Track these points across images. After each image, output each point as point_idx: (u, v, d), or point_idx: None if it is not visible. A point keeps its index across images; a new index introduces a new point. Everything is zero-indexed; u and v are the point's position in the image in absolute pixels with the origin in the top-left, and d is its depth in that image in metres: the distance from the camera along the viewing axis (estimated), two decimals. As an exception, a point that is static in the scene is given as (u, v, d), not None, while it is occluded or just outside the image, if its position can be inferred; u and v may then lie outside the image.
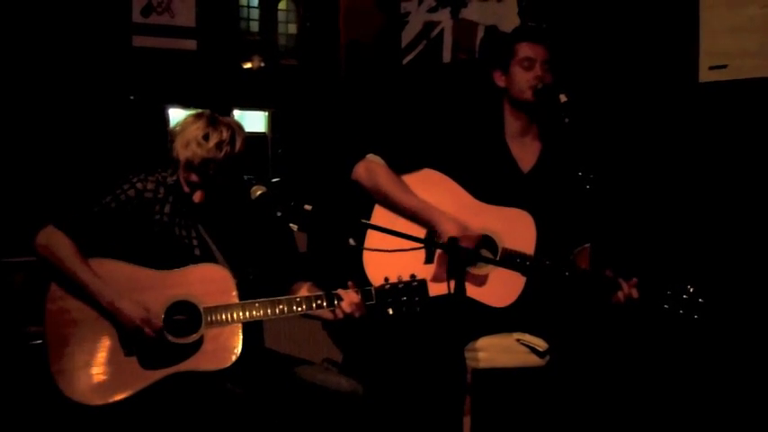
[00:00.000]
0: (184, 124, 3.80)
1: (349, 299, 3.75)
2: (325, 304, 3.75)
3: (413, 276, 3.79)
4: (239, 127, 3.84)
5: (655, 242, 5.14)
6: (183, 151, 3.75)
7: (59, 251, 3.73)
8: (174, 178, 3.88)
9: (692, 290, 3.90)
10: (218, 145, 3.72)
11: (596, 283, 4.01)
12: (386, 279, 3.79)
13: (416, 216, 4.18)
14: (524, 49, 4.30)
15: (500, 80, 4.37)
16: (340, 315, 3.75)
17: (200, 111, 3.87)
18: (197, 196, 3.82)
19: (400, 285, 3.78)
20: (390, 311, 3.77)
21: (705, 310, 3.89)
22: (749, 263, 4.87)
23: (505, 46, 4.39)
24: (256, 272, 3.91)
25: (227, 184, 3.81)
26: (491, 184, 4.25)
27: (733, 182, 4.97)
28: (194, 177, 3.77)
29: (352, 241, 4.07)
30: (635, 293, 3.95)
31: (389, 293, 3.77)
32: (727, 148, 5.01)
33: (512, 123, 4.38)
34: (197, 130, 3.74)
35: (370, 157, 4.34)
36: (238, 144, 3.78)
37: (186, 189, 3.83)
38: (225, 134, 3.74)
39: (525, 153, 4.38)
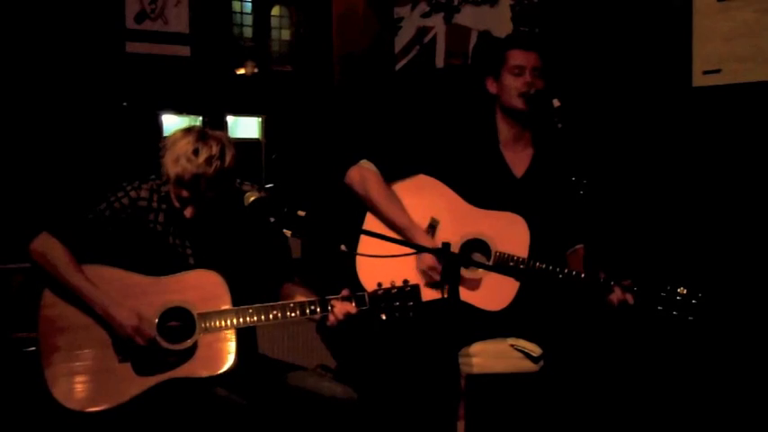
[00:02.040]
0: (173, 140, 3.76)
1: (342, 305, 3.74)
2: (318, 310, 3.75)
3: (405, 281, 3.78)
4: (229, 141, 3.81)
5: (649, 247, 5.14)
6: (172, 167, 3.71)
7: (54, 258, 3.72)
8: (167, 189, 3.86)
9: (685, 291, 3.90)
10: (208, 160, 3.69)
11: (590, 286, 4.01)
12: (379, 284, 3.78)
13: (401, 233, 4.19)
14: (515, 57, 4.31)
15: (492, 87, 4.38)
16: (333, 321, 3.75)
17: (189, 126, 3.85)
18: (188, 211, 3.81)
19: (393, 290, 3.77)
20: (383, 317, 3.77)
21: (699, 312, 3.89)
22: (743, 265, 4.87)
23: (497, 53, 4.40)
24: (248, 278, 3.90)
25: (218, 198, 3.80)
26: (484, 189, 4.26)
27: (727, 186, 4.97)
28: (185, 193, 3.75)
29: (343, 247, 4.06)
30: (629, 298, 3.95)
31: (382, 299, 3.77)
32: (720, 152, 5.01)
33: (504, 129, 4.39)
34: (186, 145, 3.71)
35: (364, 163, 4.35)
36: (228, 158, 3.75)
37: (177, 204, 3.82)
38: (215, 149, 3.71)
39: (518, 158, 4.38)
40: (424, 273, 4.15)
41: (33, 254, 3.77)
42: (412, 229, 4.20)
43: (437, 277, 4.07)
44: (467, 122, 4.46)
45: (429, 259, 4.12)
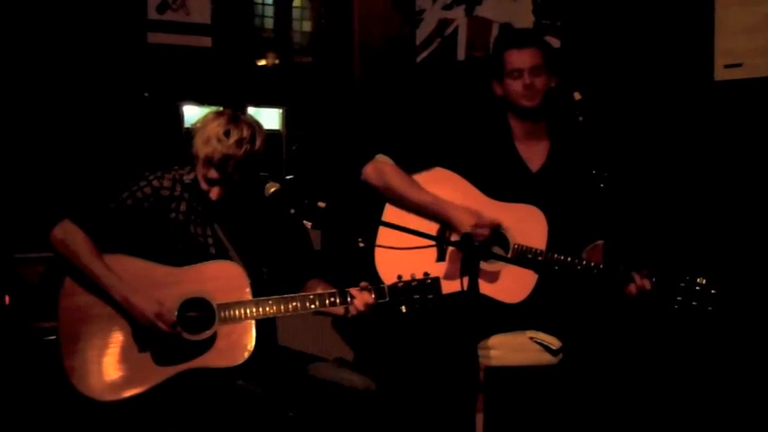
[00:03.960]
0: (205, 121, 3.80)
1: (362, 297, 3.73)
2: (338, 302, 3.75)
3: (426, 274, 3.78)
4: (259, 126, 3.84)
5: (668, 240, 5.13)
6: (203, 147, 3.74)
7: (75, 246, 3.74)
8: (192, 176, 3.88)
9: (704, 282, 3.89)
10: (239, 142, 3.71)
11: (609, 277, 4.00)
12: (399, 277, 3.78)
13: (429, 211, 4.19)
14: (511, 58, 4.27)
15: (498, 89, 4.36)
16: (353, 312, 3.74)
17: (221, 109, 3.87)
18: (214, 193, 3.82)
19: (413, 283, 3.76)
20: (404, 309, 3.76)
21: (718, 302, 3.88)
22: (763, 258, 4.86)
23: (495, 57, 4.38)
24: (270, 269, 3.91)
25: (245, 182, 3.81)
26: (500, 183, 4.25)
27: (747, 180, 4.96)
28: (213, 173, 3.77)
29: (361, 243, 4.06)
30: (647, 285, 3.93)
31: (403, 291, 3.76)
32: (741, 146, 4.99)
33: (517, 127, 4.36)
34: (218, 126, 3.73)
35: (379, 157, 4.34)
36: (258, 142, 3.78)
37: (204, 186, 3.83)
38: (246, 132, 3.74)
39: (533, 152, 4.36)
40: (451, 255, 4.13)
41: (54, 241, 3.79)
42: (440, 202, 4.18)
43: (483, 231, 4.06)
44: (483, 116, 4.45)
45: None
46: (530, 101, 4.22)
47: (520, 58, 4.25)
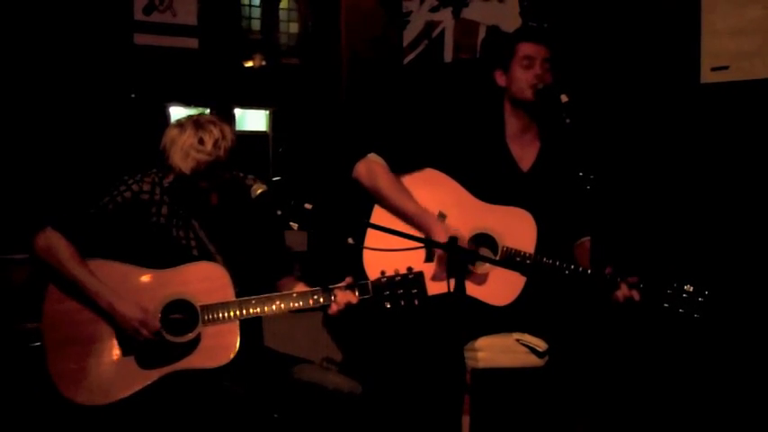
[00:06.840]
0: (172, 137, 3.74)
1: (345, 293, 3.73)
2: (321, 300, 3.74)
3: (410, 269, 3.76)
4: (222, 120, 3.83)
5: (655, 243, 5.14)
6: (184, 163, 3.70)
7: (58, 253, 3.72)
8: (171, 179, 3.85)
9: (691, 289, 3.89)
10: (216, 144, 3.70)
11: (596, 282, 4.00)
12: (382, 272, 3.76)
13: (412, 221, 4.18)
14: (525, 49, 4.29)
15: (501, 79, 4.36)
16: (335, 310, 3.73)
17: (177, 121, 3.83)
18: (214, 199, 3.82)
19: (397, 278, 3.75)
20: (388, 305, 3.74)
21: (705, 309, 3.88)
22: (750, 263, 4.86)
23: (507, 45, 4.38)
24: (255, 270, 3.90)
25: (231, 176, 3.82)
26: (491, 183, 4.25)
27: (734, 182, 4.96)
28: (204, 183, 3.75)
29: (350, 240, 4.05)
30: (635, 293, 3.94)
31: (386, 287, 3.74)
32: (728, 149, 5.00)
33: (512, 123, 4.37)
34: (189, 137, 3.70)
35: (371, 156, 4.34)
36: (229, 135, 3.76)
37: (197, 198, 3.82)
38: (216, 131, 3.71)
39: (525, 152, 4.36)
40: (439, 258, 4.13)
41: (38, 249, 3.77)
42: (423, 215, 4.17)
43: None
44: (474, 116, 4.45)
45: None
46: (533, 94, 4.22)
47: (534, 50, 4.26)
